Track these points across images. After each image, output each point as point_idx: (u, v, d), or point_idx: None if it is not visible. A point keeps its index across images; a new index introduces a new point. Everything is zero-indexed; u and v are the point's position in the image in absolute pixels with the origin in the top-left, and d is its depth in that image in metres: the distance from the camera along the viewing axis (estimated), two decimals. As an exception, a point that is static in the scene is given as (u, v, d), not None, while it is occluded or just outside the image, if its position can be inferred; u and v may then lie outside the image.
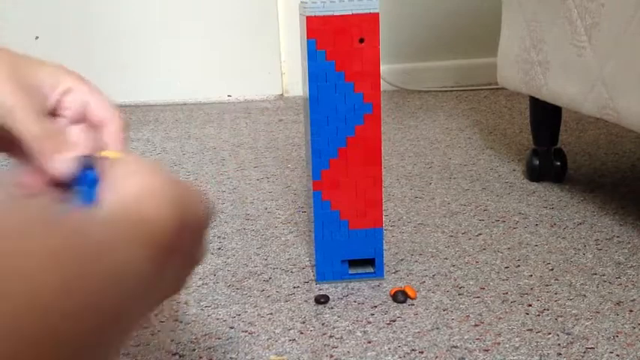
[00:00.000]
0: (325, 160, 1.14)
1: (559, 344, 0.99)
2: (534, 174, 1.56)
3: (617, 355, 0.96)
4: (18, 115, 0.58)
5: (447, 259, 1.24)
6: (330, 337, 1.02)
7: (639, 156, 1.71)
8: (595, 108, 1.32)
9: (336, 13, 1.09)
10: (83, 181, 0.57)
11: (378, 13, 1.10)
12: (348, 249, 1.16)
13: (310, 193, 1.17)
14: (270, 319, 1.07)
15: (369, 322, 1.06)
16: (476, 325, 1.04)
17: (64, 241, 0.37)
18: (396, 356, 0.98)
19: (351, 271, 1.18)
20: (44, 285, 0.33)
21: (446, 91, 2.34)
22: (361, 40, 1.10)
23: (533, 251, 1.26)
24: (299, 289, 1.15)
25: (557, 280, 1.16)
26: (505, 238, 1.31)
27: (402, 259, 1.24)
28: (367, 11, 1.10)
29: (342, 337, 1.02)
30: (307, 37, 1.10)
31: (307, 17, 1.09)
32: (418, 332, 1.03)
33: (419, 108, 2.19)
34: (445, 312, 1.07)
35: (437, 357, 0.97)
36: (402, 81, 2.38)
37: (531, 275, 1.18)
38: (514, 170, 1.63)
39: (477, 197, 1.50)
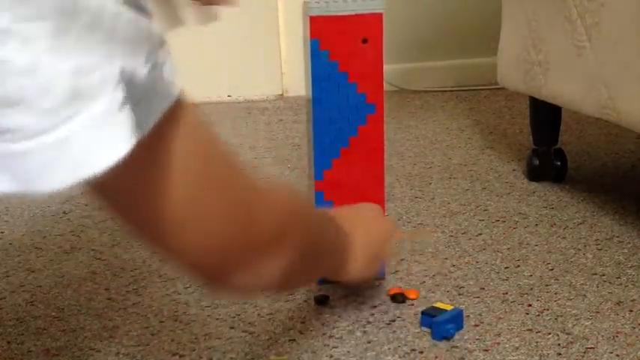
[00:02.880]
0: (328, 160, 1.13)
1: (559, 344, 0.99)
2: (534, 174, 1.56)
3: (617, 355, 0.96)
4: None
5: (447, 259, 1.24)
6: (330, 337, 1.02)
7: (639, 156, 1.71)
8: (595, 108, 1.32)
9: (339, 13, 1.09)
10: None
11: (382, 13, 1.10)
12: None
13: (312, 194, 1.17)
14: (270, 319, 1.07)
15: (369, 322, 1.06)
16: (476, 325, 1.04)
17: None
18: (396, 356, 0.98)
19: (351, 271, 1.17)
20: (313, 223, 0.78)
21: (446, 91, 2.34)
22: (364, 41, 1.10)
23: (533, 251, 1.26)
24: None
25: (557, 280, 1.16)
26: (505, 238, 1.31)
27: (402, 259, 1.24)
28: (371, 11, 1.09)
29: (342, 337, 1.02)
30: (310, 37, 1.09)
31: (310, 17, 1.09)
32: (418, 332, 1.03)
33: (419, 108, 2.19)
34: (445, 312, 1.07)
35: (437, 357, 0.97)
36: (402, 81, 2.38)
37: (531, 275, 1.18)
38: (514, 170, 1.63)
39: (476, 197, 1.49)
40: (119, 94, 0.46)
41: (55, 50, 0.43)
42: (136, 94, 0.46)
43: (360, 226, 0.94)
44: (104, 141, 0.45)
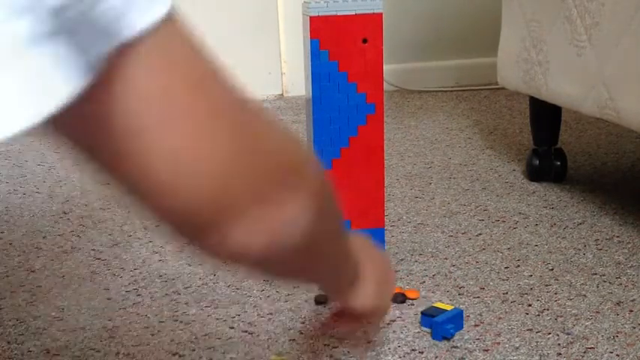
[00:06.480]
0: (328, 160, 1.14)
1: (559, 344, 0.99)
2: (534, 174, 1.56)
3: (617, 355, 0.96)
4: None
5: (447, 259, 1.24)
6: (330, 337, 1.02)
7: (639, 156, 1.71)
8: (595, 108, 1.32)
9: (339, 14, 1.09)
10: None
11: (381, 14, 1.10)
12: None
13: None
14: (270, 319, 1.07)
15: (369, 322, 1.06)
16: (476, 325, 1.04)
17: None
18: (396, 356, 0.98)
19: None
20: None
21: (446, 91, 2.34)
22: (364, 41, 1.11)
23: (533, 251, 1.26)
24: (299, 289, 1.15)
25: (557, 280, 1.16)
26: (505, 238, 1.31)
27: (402, 259, 1.24)
28: (371, 11, 1.10)
29: (342, 337, 1.02)
30: (310, 37, 1.10)
31: (310, 17, 1.09)
32: (418, 332, 1.03)
33: (419, 108, 2.19)
34: (445, 312, 1.07)
35: (437, 357, 0.97)
36: (402, 81, 2.38)
37: (531, 275, 1.18)
38: (514, 170, 1.63)
39: (477, 197, 1.49)
40: None
41: None
42: None
43: (370, 260, 0.78)
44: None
